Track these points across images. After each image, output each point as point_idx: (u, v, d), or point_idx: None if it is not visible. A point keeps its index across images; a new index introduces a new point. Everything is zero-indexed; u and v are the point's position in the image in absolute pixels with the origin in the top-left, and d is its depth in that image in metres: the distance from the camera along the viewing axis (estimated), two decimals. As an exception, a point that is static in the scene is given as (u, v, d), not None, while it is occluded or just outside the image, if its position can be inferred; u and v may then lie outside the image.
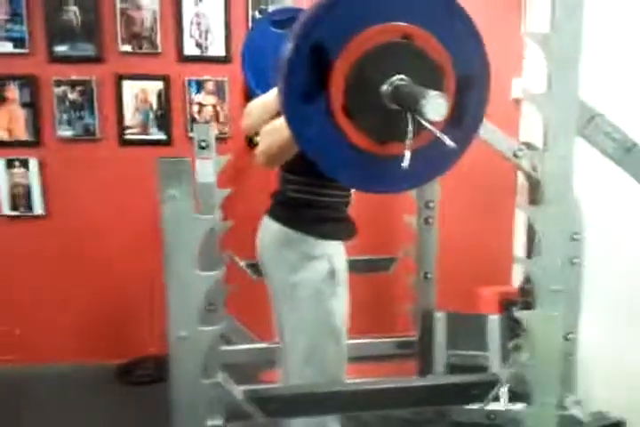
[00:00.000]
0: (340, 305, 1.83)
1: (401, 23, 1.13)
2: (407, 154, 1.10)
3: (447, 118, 1.19)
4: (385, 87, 1.12)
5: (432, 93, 1.04)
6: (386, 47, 1.13)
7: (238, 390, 1.51)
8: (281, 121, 1.56)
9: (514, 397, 1.80)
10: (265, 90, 2.01)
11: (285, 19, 2.30)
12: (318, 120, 1.15)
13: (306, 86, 1.13)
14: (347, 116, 1.14)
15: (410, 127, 1.11)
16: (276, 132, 1.57)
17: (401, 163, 1.11)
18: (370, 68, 1.13)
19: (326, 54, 1.11)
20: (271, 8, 2.99)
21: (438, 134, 1.11)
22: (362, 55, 1.12)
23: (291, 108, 1.15)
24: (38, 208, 3.06)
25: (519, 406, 1.66)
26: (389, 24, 1.13)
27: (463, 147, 1.25)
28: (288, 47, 1.13)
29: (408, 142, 1.10)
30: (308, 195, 1.81)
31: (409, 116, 1.11)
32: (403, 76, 1.12)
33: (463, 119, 1.23)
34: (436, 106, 1.04)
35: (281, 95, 1.16)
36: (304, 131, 1.17)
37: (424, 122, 1.08)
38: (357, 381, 1.77)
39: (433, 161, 1.26)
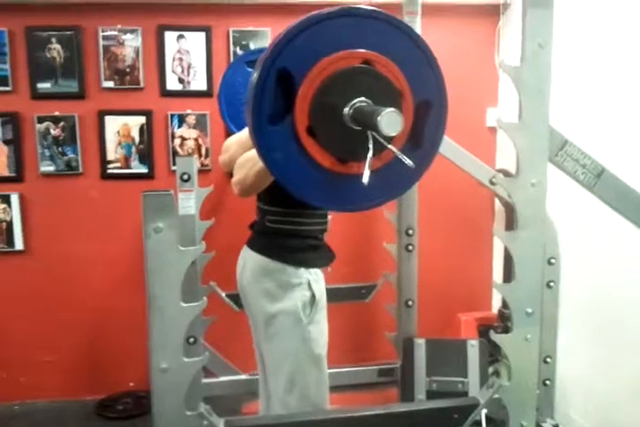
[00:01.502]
0: (320, 332, 1.85)
1: (361, 50, 1.18)
2: (367, 171, 1.14)
3: (406, 140, 1.23)
4: (347, 109, 1.16)
5: (387, 110, 1.08)
6: (347, 72, 1.18)
7: (220, 422, 1.50)
8: (253, 152, 1.60)
9: (493, 424, 1.79)
10: (240, 127, 2.07)
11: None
12: (284, 142, 1.19)
13: (272, 110, 1.17)
14: (311, 138, 1.19)
15: (370, 145, 1.15)
16: (249, 163, 1.62)
17: (362, 182, 1.15)
18: (332, 91, 1.17)
19: (291, 79, 1.16)
20: (252, 44, 3.07)
21: (397, 153, 1.15)
22: (325, 79, 1.17)
23: (258, 131, 1.18)
24: (19, 244, 3.05)
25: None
26: (350, 50, 1.18)
27: (423, 167, 1.29)
28: (255, 74, 1.17)
29: (368, 159, 1.14)
30: (285, 224, 1.85)
31: (369, 134, 1.15)
32: (363, 98, 1.16)
33: (422, 142, 1.28)
34: (391, 121, 1.08)
35: (248, 118, 1.19)
36: (271, 153, 1.20)
37: (382, 141, 1.13)
38: (340, 408, 1.77)
39: (395, 180, 1.30)
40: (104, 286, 3.14)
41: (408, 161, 1.16)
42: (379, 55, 1.20)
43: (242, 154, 1.72)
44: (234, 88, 2.46)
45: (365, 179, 1.14)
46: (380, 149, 1.18)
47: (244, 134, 1.94)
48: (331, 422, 1.62)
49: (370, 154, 1.16)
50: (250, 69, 2.41)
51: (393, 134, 1.11)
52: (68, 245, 3.08)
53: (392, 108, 1.09)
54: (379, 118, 1.08)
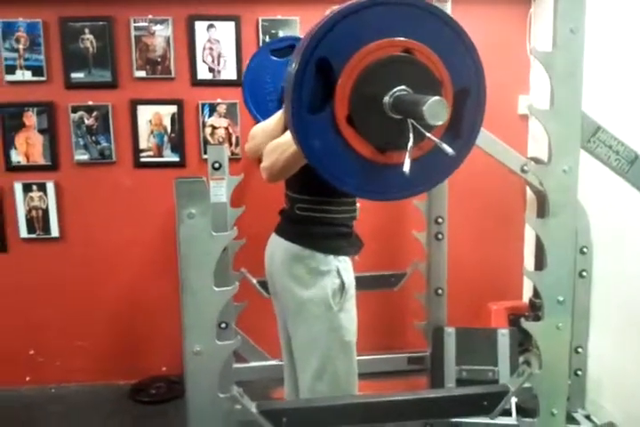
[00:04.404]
0: (350, 319, 1.86)
1: (401, 38, 1.18)
2: (407, 160, 1.14)
3: (445, 129, 1.23)
4: (387, 98, 1.17)
5: (432, 99, 1.08)
6: (387, 61, 1.18)
7: (252, 405, 1.53)
8: (284, 138, 1.62)
9: (524, 413, 1.80)
10: (265, 116, 2.08)
11: (284, 47, 2.37)
12: (323, 131, 1.20)
13: (312, 99, 1.18)
14: (351, 127, 1.19)
15: (411, 134, 1.15)
16: (279, 148, 1.63)
17: (402, 171, 1.15)
18: (372, 80, 1.18)
19: (331, 68, 1.17)
20: (281, 33, 3.08)
21: (437, 141, 1.15)
22: (364, 68, 1.17)
23: (297, 120, 1.19)
24: (55, 231, 3.11)
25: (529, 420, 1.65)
26: (390, 39, 1.18)
27: (462, 156, 1.29)
28: (294, 63, 1.18)
29: (409, 149, 1.14)
30: (315, 212, 1.85)
31: (410, 123, 1.15)
32: (404, 87, 1.16)
33: (461, 129, 1.28)
34: (436, 110, 1.08)
35: (288, 108, 1.20)
36: (310, 142, 1.21)
37: (424, 130, 1.13)
38: (370, 394, 1.78)
39: (433, 169, 1.31)
40: (137, 273, 3.20)
41: (449, 149, 1.15)
42: (418, 43, 1.20)
43: (268, 142, 1.73)
44: (258, 77, 2.47)
45: (406, 168, 1.15)
46: (419, 138, 1.18)
47: (270, 122, 1.96)
48: (361, 406, 1.64)
49: (410, 143, 1.16)
50: (274, 58, 2.41)
51: (439, 124, 1.10)
52: (101, 231, 3.14)
53: (438, 97, 1.09)
54: (424, 108, 1.07)
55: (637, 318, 2.36)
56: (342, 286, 1.82)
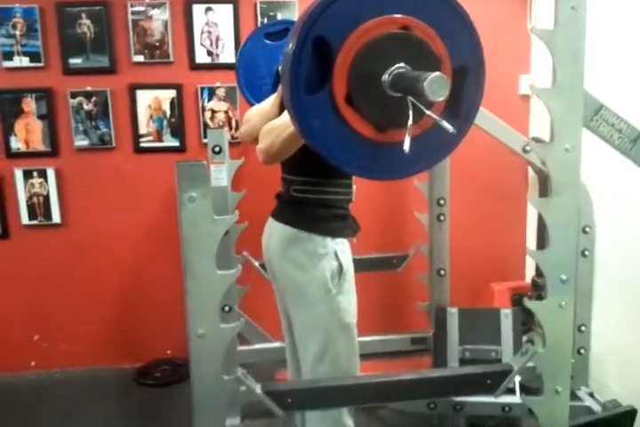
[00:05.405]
0: (349, 301, 1.86)
1: (399, 15, 1.17)
2: (407, 138, 1.14)
3: (444, 107, 1.22)
4: (386, 76, 1.15)
5: (433, 74, 1.06)
6: (385, 38, 1.16)
7: (257, 386, 1.54)
8: (280, 120, 1.61)
9: (527, 392, 1.80)
10: (260, 100, 2.07)
11: (278, 30, 2.35)
12: (322, 111, 1.19)
13: (309, 78, 1.17)
14: (349, 106, 1.18)
15: (410, 112, 1.14)
16: (275, 130, 1.62)
17: (402, 150, 1.14)
18: (371, 58, 1.16)
19: (328, 47, 1.15)
20: (279, 15, 3.05)
21: (436, 118, 1.14)
22: (363, 46, 1.15)
23: (295, 100, 1.18)
24: (56, 217, 3.12)
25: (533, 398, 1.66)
26: (388, 16, 1.16)
27: (461, 134, 1.28)
28: (291, 42, 1.17)
29: (409, 127, 1.14)
30: (311, 194, 1.85)
31: (409, 101, 1.14)
32: (402, 65, 1.15)
33: (460, 108, 1.27)
34: (436, 86, 1.06)
35: (285, 89, 1.19)
36: (309, 122, 1.20)
37: (423, 108, 1.12)
38: (374, 374, 1.79)
39: (433, 148, 1.29)
40: (139, 257, 3.21)
41: (448, 126, 1.14)
42: (416, 20, 1.18)
43: (263, 124, 1.71)
44: (252, 60, 2.44)
45: (406, 146, 1.14)
46: (419, 115, 1.17)
47: (265, 105, 1.95)
48: (365, 386, 1.65)
49: (410, 121, 1.15)
50: (268, 42, 2.40)
51: (439, 100, 1.08)
52: (102, 217, 3.15)
53: (438, 72, 1.07)
54: (425, 84, 1.06)
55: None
56: (340, 269, 1.82)
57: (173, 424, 2.66)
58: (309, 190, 1.84)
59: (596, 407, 2.39)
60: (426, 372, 1.79)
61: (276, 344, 2.73)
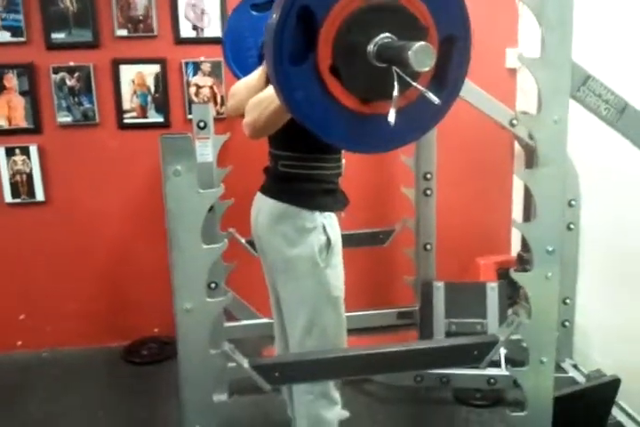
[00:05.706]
0: (337, 275, 1.86)
1: (384, -16, 1.15)
2: (392, 110, 1.13)
3: (430, 78, 1.21)
4: (371, 46, 1.14)
5: (418, 44, 1.05)
6: (370, 8, 1.15)
7: (244, 361, 1.54)
8: (267, 93, 1.58)
9: (513, 365, 1.82)
10: (247, 72, 2.04)
11: (265, 1, 2.32)
12: (306, 82, 1.17)
13: (294, 49, 1.15)
14: (334, 77, 1.17)
15: (395, 83, 1.13)
16: (262, 103, 1.60)
17: (387, 122, 1.13)
18: (356, 28, 1.14)
19: (313, 17, 1.13)
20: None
21: (422, 89, 1.13)
22: (347, 17, 1.14)
23: (279, 72, 1.16)
24: (40, 195, 3.09)
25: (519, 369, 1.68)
26: (373, -15, 1.14)
27: (447, 105, 1.27)
28: (274, 14, 1.15)
29: (394, 98, 1.12)
30: (299, 169, 1.83)
31: (395, 71, 1.13)
32: (388, 35, 1.14)
33: (446, 79, 1.26)
34: (422, 56, 1.05)
35: (269, 60, 1.18)
36: (293, 94, 1.19)
37: (408, 79, 1.11)
38: (361, 346, 1.80)
39: (419, 119, 1.29)
40: (124, 234, 3.19)
41: (434, 97, 1.13)
42: (403, -11, 1.16)
43: (250, 98, 1.68)
44: (239, 33, 2.41)
45: (391, 118, 1.13)
46: (404, 86, 1.15)
47: (251, 78, 1.93)
48: (352, 359, 1.66)
49: (395, 92, 1.14)
50: (254, 13, 2.36)
51: (425, 70, 1.07)
52: (87, 194, 3.12)
53: (423, 42, 1.06)
54: (410, 53, 1.05)
55: (624, 269, 2.39)
56: (328, 243, 1.81)
57: (162, 402, 2.67)
58: (298, 166, 1.83)
59: (580, 378, 2.43)
60: (413, 344, 1.80)
61: (264, 320, 2.74)
